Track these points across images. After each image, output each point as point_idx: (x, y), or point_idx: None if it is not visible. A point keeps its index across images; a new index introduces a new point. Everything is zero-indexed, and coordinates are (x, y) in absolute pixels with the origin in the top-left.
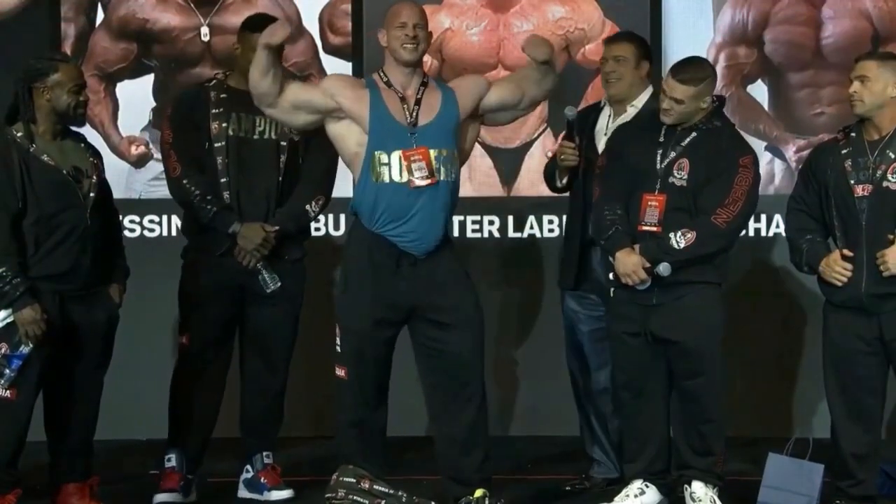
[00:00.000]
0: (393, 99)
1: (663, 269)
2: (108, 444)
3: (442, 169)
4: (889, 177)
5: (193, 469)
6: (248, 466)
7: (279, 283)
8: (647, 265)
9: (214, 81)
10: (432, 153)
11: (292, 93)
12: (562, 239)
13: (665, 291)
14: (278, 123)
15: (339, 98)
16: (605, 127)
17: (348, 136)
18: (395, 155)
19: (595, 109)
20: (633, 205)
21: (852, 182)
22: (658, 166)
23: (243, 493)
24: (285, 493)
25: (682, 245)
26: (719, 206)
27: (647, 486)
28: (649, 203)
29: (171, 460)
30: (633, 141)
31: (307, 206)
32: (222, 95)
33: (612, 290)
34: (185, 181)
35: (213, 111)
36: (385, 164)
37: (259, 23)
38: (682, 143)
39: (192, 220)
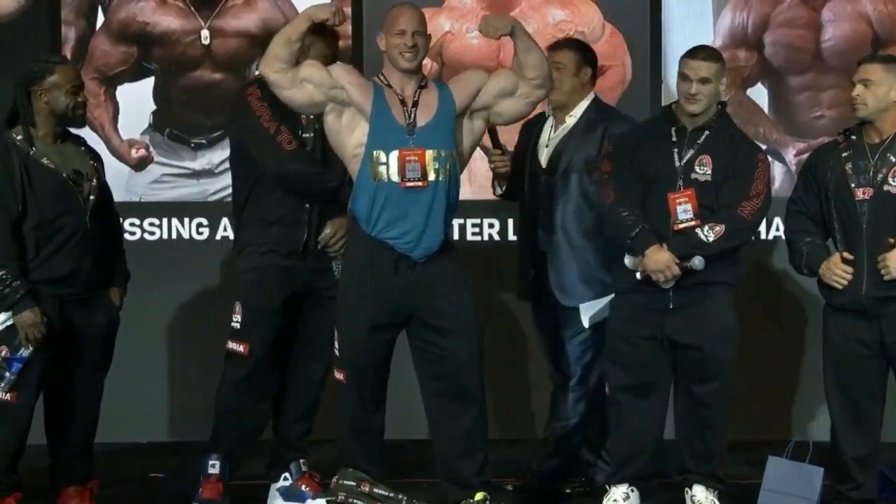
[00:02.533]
0: (393, 100)
1: (698, 262)
2: (109, 447)
3: (440, 170)
4: (890, 180)
5: (232, 475)
6: (287, 474)
7: None
8: (678, 262)
9: None
10: (430, 154)
11: (304, 66)
12: None
13: (683, 295)
14: None
15: (345, 83)
16: (547, 139)
17: (350, 131)
18: (393, 154)
19: (540, 120)
20: (652, 207)
21: (853, 185)
22: (677, 164)
23: (278, 502)
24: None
25: (711, 238)
26: (744, 198)
27: (632, 491)
28: (678, 201)
29: (216, 467)
30: (641, 145)
31: None
32: None
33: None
34: (294, 148)
35: None
36: (383, 164)
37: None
38: (699, 141)
39: (255, 212)
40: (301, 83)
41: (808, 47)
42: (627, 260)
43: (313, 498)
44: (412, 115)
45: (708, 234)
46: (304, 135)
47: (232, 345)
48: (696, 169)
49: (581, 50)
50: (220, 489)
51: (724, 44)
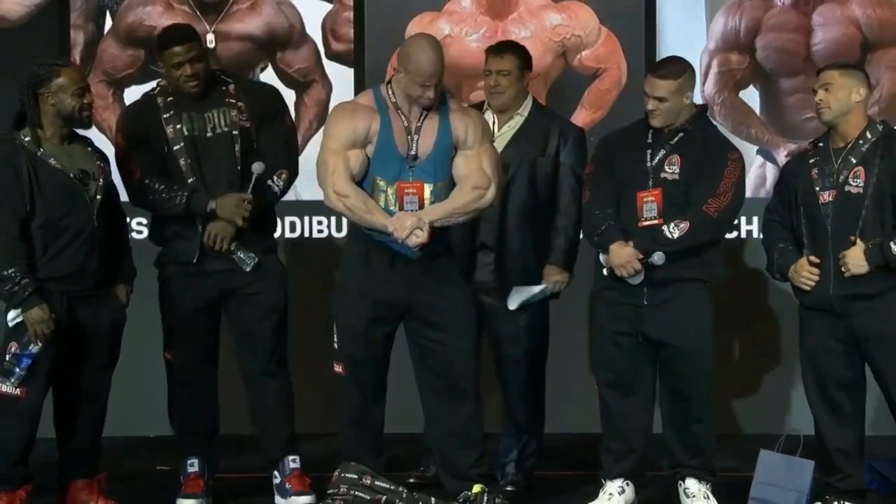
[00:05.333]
0: (398, 125)
1: (657, 257)
2: (116, 441)
3: (436, 202)
4: (850, 181)
5: (213, 473)
6: (276, 472)
7: (256, 260)
8: (641, 257)
9: (158, 89)
10: (428, 188)
11: (353, 166)
12: None
13: (656, 291)
14: (226, 114)
15: (357, 133)
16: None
17: (371, 152)
18: (393, 185)
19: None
20: (625, 206)
21: (818, 189)
22: (648, 164)
23: (279, 500)
24: (303, 500)
25: (675, 235)
26: (710, 196)
27: (627, 485)
28: (644, 199)
29: (194, 465)
30: (620, 148)
31: (269, 182)
32: (169, 99)
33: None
34: (146, 180)
35: (165, 116)
36: (382, 191)
37: (167, 38)
38: (671, 142)
39: (159, 228)
40: (354, 164)
41: (798, 51)
42: (601, 257)
43: (291, 495)
44: (414, 145)
45: (673, 230)
46: (174, 147)
47: (165, 352)
48: (666, 168)
49: (523, 55)
50: (201, 485)
51: (717, 47)
